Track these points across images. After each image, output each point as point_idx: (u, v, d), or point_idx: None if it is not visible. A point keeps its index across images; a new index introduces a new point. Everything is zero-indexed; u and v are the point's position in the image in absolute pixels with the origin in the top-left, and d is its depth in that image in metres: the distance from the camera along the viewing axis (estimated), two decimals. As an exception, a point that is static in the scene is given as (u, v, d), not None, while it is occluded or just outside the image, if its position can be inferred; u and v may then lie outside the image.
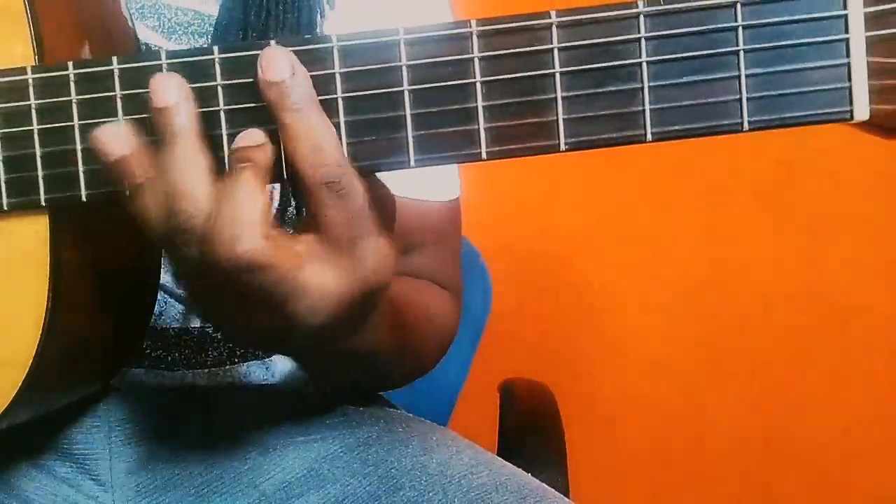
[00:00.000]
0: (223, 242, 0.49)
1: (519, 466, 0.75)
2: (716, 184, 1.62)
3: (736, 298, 1.65)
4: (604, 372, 1.69)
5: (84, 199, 0.53)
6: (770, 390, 1.65)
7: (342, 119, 0.50)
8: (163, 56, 0.52)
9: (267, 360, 0.79)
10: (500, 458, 0.75)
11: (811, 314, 1.63)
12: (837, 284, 1.61)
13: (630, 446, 1.70)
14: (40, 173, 0.54)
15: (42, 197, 0.54)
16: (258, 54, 0.50)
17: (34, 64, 0.54)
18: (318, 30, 0.74)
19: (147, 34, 0.71)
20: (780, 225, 1.62)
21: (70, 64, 0.53)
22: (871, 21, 0.47)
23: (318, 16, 0.74)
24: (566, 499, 0.71)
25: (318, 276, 0.51)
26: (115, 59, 0.52)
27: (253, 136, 0.50)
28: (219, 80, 0.51)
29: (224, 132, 0.51)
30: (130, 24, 0.62)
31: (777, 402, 1.66)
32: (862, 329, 1.62)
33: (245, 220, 0.49)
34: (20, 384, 0.57)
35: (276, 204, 0.76)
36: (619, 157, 1.58)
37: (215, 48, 0.51)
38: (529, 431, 1.05)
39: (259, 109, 0.51)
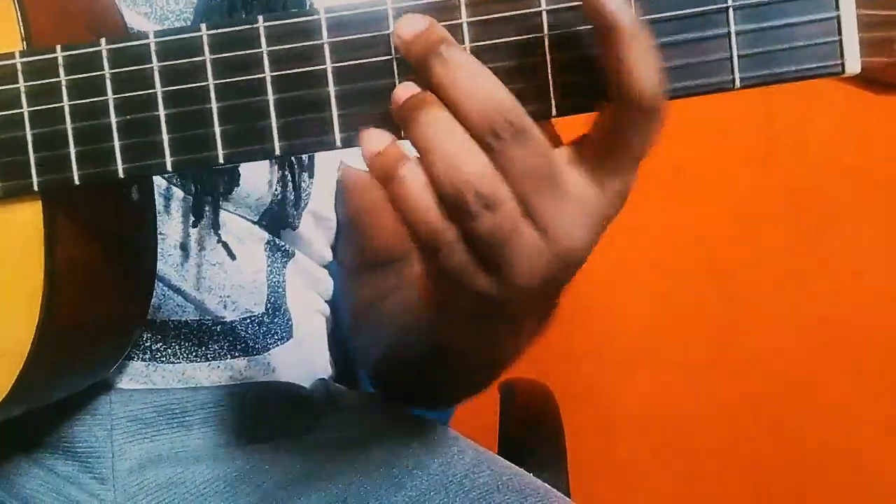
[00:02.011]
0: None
1: (519, 466, 0.75)
2: (717, 183, 1.62)
3: (737, 298, 1.64)
4: (604, 372, 1.69)
5: (77, 182, 0.53)
6: (772, 390, 1.65)
7: (332, 89, 0.50)
8: (151, 36, 0.52)
9: (266, 355, 0.79)
10: (501, 458, 0.76)
11: (814, 313, 1.62)
12: (840, 284, 1.61)
13: (630, 446, 1.70)
14: (32, 156, 0.53)
15: (35, 181, 0.54)
16: (245, 28, 0.50)
17: (22, 49, 0.54)
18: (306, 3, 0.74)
19: (139, 21, 0.71)
20: (782, 224, 1.61)
21: (58, 47, 0.53)
22: (860, -27, 0.48)
23: None
24: (567, 499, 0.71)
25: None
26: (103, 40, 0.52)
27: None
28: (207, 56, 0.51)
29: (214, 106, 0.51)
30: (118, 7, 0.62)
31: (779, 401, 1.65)
32: (867, 329, 1.61)
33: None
34: (18, 374, 0.56)
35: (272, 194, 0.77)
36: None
37: (203, 25, 0.51)
38: (529, 431, 1.05)
39: (248, 83, 0.51)
